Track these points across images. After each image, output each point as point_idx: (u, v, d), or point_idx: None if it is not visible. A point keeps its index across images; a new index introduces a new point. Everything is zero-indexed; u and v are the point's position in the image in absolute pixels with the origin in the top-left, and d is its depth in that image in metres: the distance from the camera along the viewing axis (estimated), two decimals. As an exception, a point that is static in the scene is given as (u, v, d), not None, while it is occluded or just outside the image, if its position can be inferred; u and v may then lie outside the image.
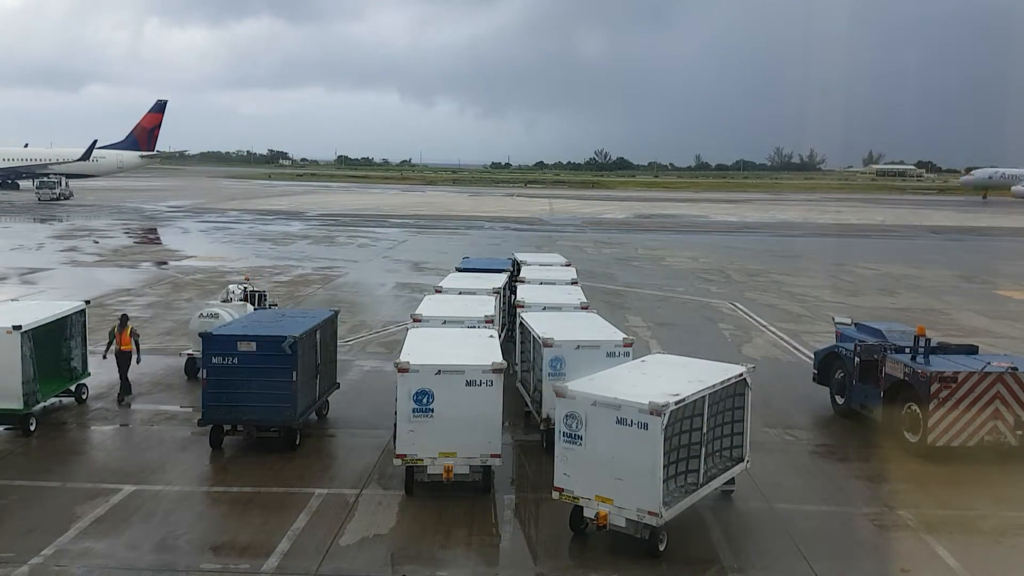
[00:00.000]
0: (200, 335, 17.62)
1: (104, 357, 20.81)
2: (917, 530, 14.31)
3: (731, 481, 15.15)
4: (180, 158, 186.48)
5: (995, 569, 13.25)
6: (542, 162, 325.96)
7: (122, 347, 20.37)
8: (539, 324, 18.41)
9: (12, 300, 26.94)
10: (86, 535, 13.42)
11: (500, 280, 24.99)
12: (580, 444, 13.25)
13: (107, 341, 20.84)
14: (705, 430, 13.97)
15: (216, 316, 20.90)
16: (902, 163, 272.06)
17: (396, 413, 15.36)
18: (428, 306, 20.77)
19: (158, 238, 62.84)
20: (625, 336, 17.53)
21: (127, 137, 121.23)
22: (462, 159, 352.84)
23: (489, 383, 14.89)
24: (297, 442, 17.40)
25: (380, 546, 13.34)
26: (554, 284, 25.07)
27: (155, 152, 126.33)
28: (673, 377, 14.41)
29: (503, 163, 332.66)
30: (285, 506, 14.66)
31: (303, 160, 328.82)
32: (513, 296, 24.82)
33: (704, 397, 13.84)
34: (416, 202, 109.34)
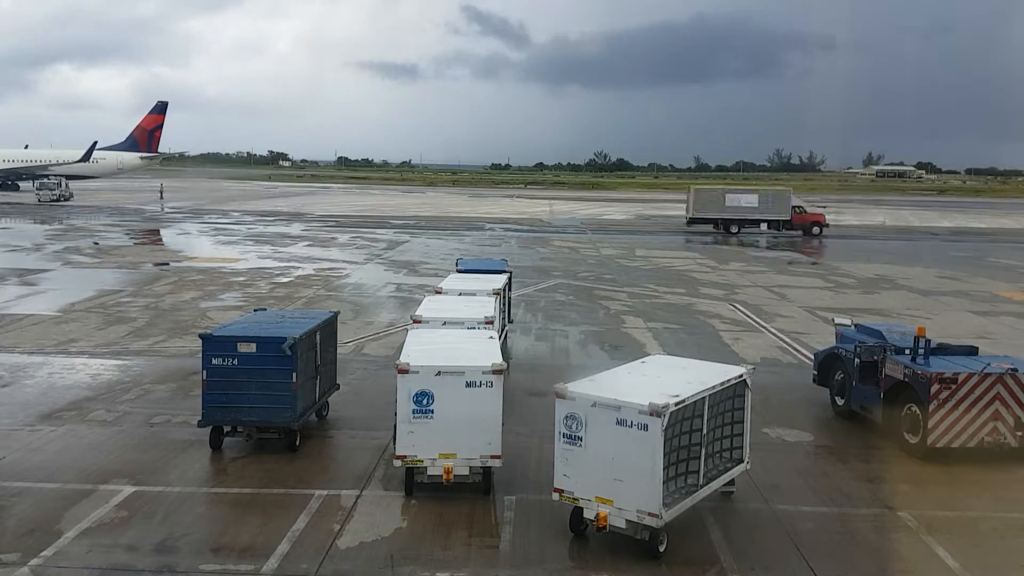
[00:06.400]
0: (200, 336, 17.65)
1: None
2: (917, 531, 14.32)
3: (731, 482, 15.15)
4: (180, 159, 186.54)
5: (995, 570, 13.25)
6: (542, 163, 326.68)
7: None
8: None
9: None
10: (86, 536, 13.42)
11: (500, 281, 24.98)
12: (580, 445, 13.25)
13: None
14: (705, 431, 13.97)
15: None
16: (902, 164, 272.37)
17: (396, 414, 15.36)
18: (428, 307, 20.77)
19: (159, 239, 62.86)
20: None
21: (127, 138, 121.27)
22: (462, 160, 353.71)
23: (489, 384, 14.89)
24: (297, 443, 17.39)
25: (380, 547, 13.34)
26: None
27: (156, 153, 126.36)
28: (673, 378, 14.41)
29: (503, 164, 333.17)
30: (285, 507, 14.66)
31: (303, 161, 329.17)
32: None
33: (704, 398, 13.85)
34: (416, 203, 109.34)
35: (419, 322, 19.41)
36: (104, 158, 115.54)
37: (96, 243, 55.38)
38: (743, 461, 15.33)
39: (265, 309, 22.17)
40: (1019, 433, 17.38)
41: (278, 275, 42.27)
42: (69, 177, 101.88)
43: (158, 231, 67.94)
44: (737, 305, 36.02)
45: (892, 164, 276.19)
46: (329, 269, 45.07)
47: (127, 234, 62.65)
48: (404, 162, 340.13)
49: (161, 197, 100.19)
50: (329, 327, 19.62)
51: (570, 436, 13.33)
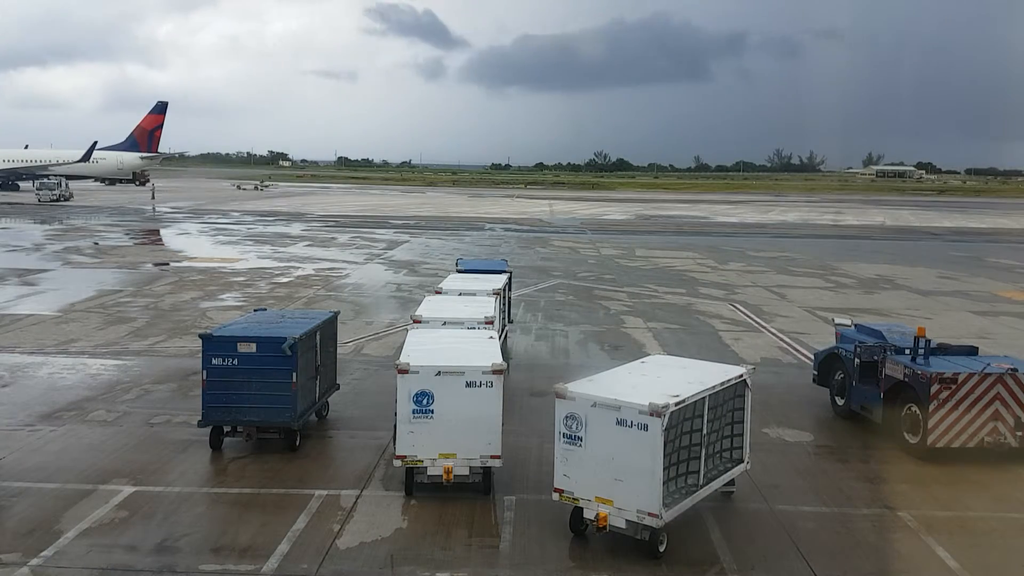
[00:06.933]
0: (200, 336, 17.64)
1: None
2: (917, 531, 14.32)
3: (731, 482, 15.15)
4: (180, 159, 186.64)
5: (995, 570, 13.25)
6: (542, 163, 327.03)
7: None
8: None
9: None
10: (86, 536, 13.42)
11: (500, 281, 24.99)
12: (580, 445, 13.25)
13: None
14: (705, 431, 13.97)
15: None
16: (902, 164, 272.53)
17: (396, 414, 15.36)
18: (428, 307, 20.77)
19: (159, 239, 62.86)
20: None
21: (127, 138, 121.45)
22: (462, 160, 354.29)
23: (489, 384, 14.88)
24: (297, 443, 17.39)
25: (380, 547, 13.34)
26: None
27: (156, 153, 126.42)
28: (673, 378, 14.41)
29: (503, 164, 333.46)
30: (285, 507, 14.66)
31: (303, 161, 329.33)
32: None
33: (704, 398, 13.85)
34: (416, 203, 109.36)
35: (419, 322, 19.41)
36: (104, 158, 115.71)
37: (96, 243, 55.38)
38: (743, 461, 15.33)
39: (265, 309, 22.17)
40: (1019, 433, 17.37)
41: (278, 275, 42.26)
42: (69, 177, 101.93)
43: (158, 231, 67.94)
44: (737, 305, 36.01)
45: (892, 164, 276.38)
46: (329, 269, 45.07)
47: (127, 234, 62.63)
48: (404, 162, 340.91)
49: (153, 198, 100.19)
50: (329, 327, 19.62)
51: (570, 436, 13.33)
